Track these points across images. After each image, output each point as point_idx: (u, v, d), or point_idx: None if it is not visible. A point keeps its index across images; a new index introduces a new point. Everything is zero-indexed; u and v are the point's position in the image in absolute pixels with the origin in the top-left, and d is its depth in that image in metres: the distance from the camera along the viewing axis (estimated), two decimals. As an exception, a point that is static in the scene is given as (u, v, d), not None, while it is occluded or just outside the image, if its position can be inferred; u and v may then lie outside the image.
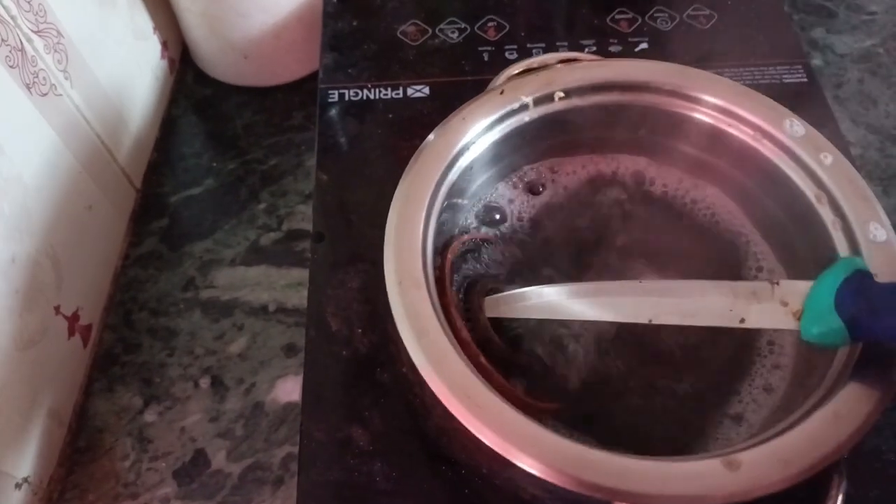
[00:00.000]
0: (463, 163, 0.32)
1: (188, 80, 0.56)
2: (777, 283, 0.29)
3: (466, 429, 0.27)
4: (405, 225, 0.30)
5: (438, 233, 0.32)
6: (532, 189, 0.36)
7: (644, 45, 0.47)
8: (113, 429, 0.42)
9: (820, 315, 0.27)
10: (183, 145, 0.53)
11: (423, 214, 0.30)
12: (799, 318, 0.28)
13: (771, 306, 0.28)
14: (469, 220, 0.37)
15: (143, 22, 0.51)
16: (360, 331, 0.37)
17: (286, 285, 0.47)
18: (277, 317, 0.46)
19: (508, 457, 0.26)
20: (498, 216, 0.37)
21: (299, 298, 0.45)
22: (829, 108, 0.43)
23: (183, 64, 0.57)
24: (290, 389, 0.43)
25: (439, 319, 0.28)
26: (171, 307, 0.46)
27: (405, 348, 0.28)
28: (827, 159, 0.31)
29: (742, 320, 0.29)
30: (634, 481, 0.25)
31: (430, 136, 0.33)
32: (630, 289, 0.31)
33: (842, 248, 0.30)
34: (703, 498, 0.24)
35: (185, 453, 0.41)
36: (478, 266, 0.36)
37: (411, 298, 0.28)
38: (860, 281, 0.27)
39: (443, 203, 0.31)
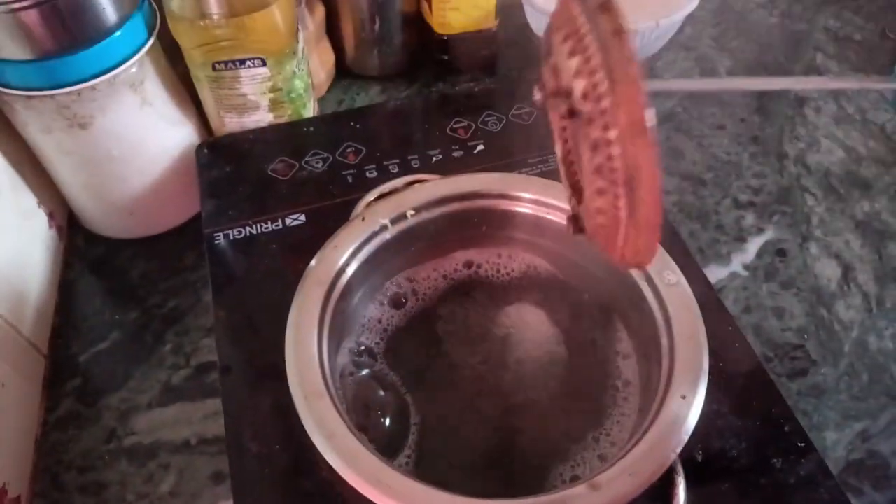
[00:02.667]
0: (341, 283, 0.38)
1: (78, 243, 0.60)
2: None
3: None
4: (302, 345, 0.35)
5: (332, 347, 0.37)
6: (395, 303, 0.43)
7: (481, 147, 0.55)
8: (58, 591, 0.44)
9: None
10: (83, 305, 0.56)
11: (316, 333, 0.36)
12: None
13: None
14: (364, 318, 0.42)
15: (28, 200, 0.55)
16: (277, 447, 0.41)
17: (203, 417, 0.50)
18: (200, 448, 0.49)
19: None
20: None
21: (218, 427, 0.49)
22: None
23: (71, 228, 0.61)
24: (224, 515, 0.46)
25: (344, 422, 0.33)
26: (97, 461, 0.49)
27: (319, 453, 0.33)
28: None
29: None
30: None
31: (312, 263, 0.39)
32: None
33: (648, 294, 0.38)
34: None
35: None
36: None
37: (317, 408, 0.33)
38: None
39: (331, 322, 0.37)
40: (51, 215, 0.57)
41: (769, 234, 0.59)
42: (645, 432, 0.33)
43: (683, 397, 0.34)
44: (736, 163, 0.65)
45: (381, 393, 0.40)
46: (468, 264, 0.44)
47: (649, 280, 0.39)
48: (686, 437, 0.33)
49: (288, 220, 0.51)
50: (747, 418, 0.42)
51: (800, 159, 0.65)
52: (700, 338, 0.36)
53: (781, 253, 0.58)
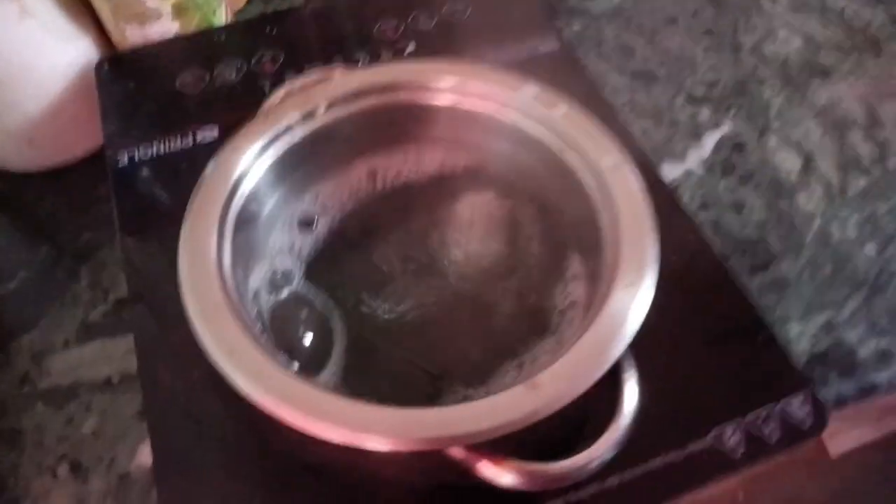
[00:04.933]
0: (245, 189, 0.34)
1: (-21, 180, 0.55)
2: None
3: (305, 430, 0.28)
4: (197, 256, 0.31)
5: (238, 263, 0.33)
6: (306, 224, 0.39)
7: (411, 48, 0.50)
8: (-27, 546, 0.40)
9: None
10: (-12, 245, 0.51)
11: (214, 242, 0.31)
12: None
13: None
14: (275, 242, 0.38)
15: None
16: (195, 373, 0.37)
17: (126, 353, 0.46)
18: (123, 386, 0.45)
19: (355, 442, 0.27)
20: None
21: (142, 363, 0.45)
22: (580, 66, 0.48)
23: (-31, 166, 0.55)
24: (152, 453, 0.43)
25: (247, 336, 0.29)
26: (10, 406, 0.45)
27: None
28: (560, 111, 0.35)
29: None
30: (462, 425, 0.28)
31: (208, 166, 0.35)
32: None
33: (589, 184, 0.34)
34: (517, 421, 0.27)
35: (58, 547, 0.40)
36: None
37: (215, 322, 0.29)
38: None
39: (234, 234, 0.33)
40: (-58, 148, 0.52)
41: (725, 129, 0.56)
42: (588, 326, 0.30)
43: (629, 285, 0.31)
44: (689, 57, 0.61)
45: (303, 314, 0.36)
46: (372, 174, 0.40)
47: (589, 166, 0.35)
48: (634, 329, 0.30)
49: (199, 136, 0.46)
50: (704, 313, 0.39)
51: (756, 50, 0.61)
52: (646, 222, 0.33)
53: (739, 147, 0.55)
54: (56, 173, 0.54)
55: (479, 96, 0.37)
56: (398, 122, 0.38)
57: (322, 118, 0.37)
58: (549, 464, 0.27)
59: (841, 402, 0.44)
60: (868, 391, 0.45)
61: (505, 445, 0.28)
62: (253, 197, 0.35)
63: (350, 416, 0.28)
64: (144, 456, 0.43)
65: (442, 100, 0.37)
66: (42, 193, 0.54)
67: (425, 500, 0.34)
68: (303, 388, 0.28)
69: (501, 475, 0.27)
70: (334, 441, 0.28)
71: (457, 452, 0.28)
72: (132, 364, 0.46)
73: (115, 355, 0.46)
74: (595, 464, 0.28)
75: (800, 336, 0.46)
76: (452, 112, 0.38)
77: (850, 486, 1.16)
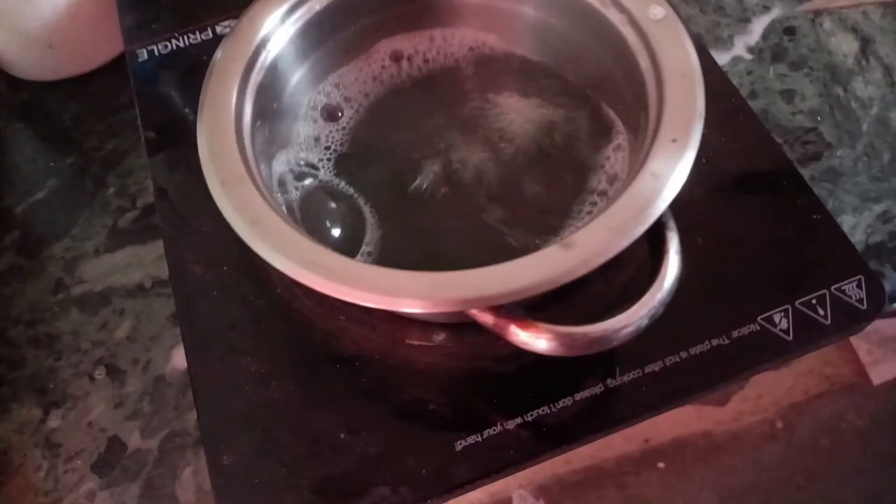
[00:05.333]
0: (264, 61, 0.32)
1: (2, 90, 0.54)
2: None
3: (329, 293, 0.27)
4: (216, 125, 0.30)
5: (258, 133, 0.32)
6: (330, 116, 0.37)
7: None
8: (18, 446, 0.41)
9: None
10: (14, 155, 0.51)
11: (233, 112, 0.30)
12: None
13: None
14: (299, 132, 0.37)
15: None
16: (225, 268, 0.37)
17: (156, 259, 0.46)
18: (156, 291, 0.45)
19: (378, 305, 0.26)
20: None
21: (173, 268, 0.45)
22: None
23: (-8, 76, 0.54)
24: (187, 355, 0.43)
25: (270, 207, 0.28)
26: (45, 313, 0.45)
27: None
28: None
29: None
30: (490, 286, 0.26)
31: (224, 41, 0.33)
32: None
33: (632, 40, 0.31)
34: (550, 280, 0.26)
35: (99, 445, 0.41)
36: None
37: (237, 193, 0.28)
38: None
39: (255, 99, 0.31)
40: (-37, 57, 0.51)
41: (776, 12, 0.52)
42: (628, 185, 0.28)
43: (674, 141, 0.28)
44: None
45: (332, 204, 0.35)
46: (397, 56, 0.37)
47: (632, 22, 0.32)
48: (677, 187, 0.28)
49: (219, 29, 0.44)
50: (755, 194, 0.37)
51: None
52: (693, 75, 0.30)
53: (790, 31, 0.51)
54: (78, 81, 0.53)
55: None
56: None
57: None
58: (582, 326, 0.26)
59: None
60: (927, 283, 0.42)
61: (541, 311, 0.27)
62: (274, 70, 0.33)
63: (374, 278, 0.27)
64: (179, 358, 0.43)
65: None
66: (65, 102, 0.53)
67: (461, 387, 0.34)
68: (327, 254, 0.27)
69: (534, 339, 0.26)
70: (357, 302, 0.27)
71: (486, 318, 0.27)
72: (163, 269, 0.46)
73: (146, 260, 0.46)
74: (632, 328, 0.26)
75: (854, 228, 0.43)
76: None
77: (891, 412, 1.14)
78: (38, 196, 0.49)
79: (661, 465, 1.14)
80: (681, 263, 0.27)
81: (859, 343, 1.19)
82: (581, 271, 0.26)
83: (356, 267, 0.27)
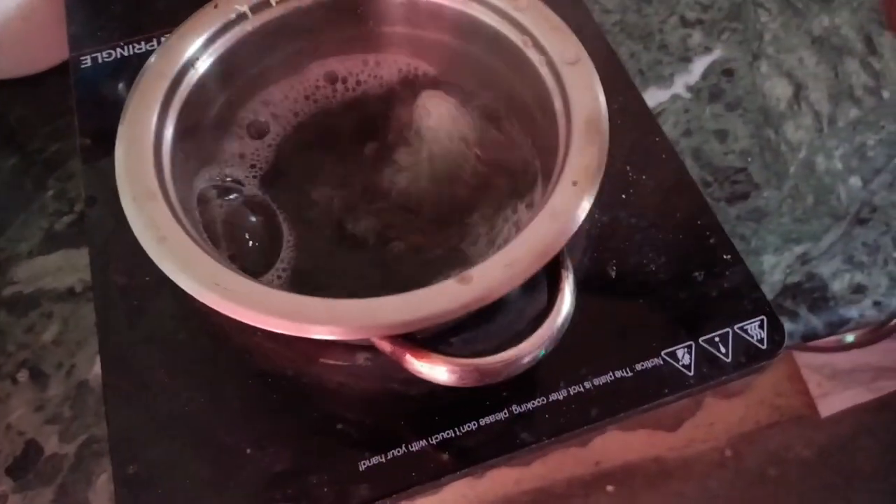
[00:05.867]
0: (191, 79, 0.33)
1: (-53, 88, 0.54)
2: None
3: (229, 314, 0.27)
4: (134, 141, 0.30)
5: (179, 160, 0.32)
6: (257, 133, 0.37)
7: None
8: (-68, 444, 0.41)
9: None
10: (-47, 152, 0.51)
11: (153, 131, 0.30)
12: None
13: None
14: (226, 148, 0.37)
15: None
16: (147, 279, 0.37)
17: (89, 264, 0.46)
18: (86, 295, 0.45)
19: (277, 329, 0.27)
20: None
21: (103, 274, 0.45)
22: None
23: (-62, 72, 0.54)
24: (112, 361, 0.43)
25: (181, 225, 0.28)
26: (-27, 313, 0.45)
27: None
28: (522, 4, 0.33)
29: None
30: (388, 315, 0.27)
31: (154, 53, 0.33)
32: None
33: (549, 81, 0.33)
34: (444, 313, 0.26)
35: (15, 448, 0.41)
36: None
37: (147, 209, 0.29)
38: None
39: (176, 127, 0.32)
40: None
41: (717, 54, 0.54)
42: (527, 223, 0.29)
43: (574, 184, 0.29)
44: (685, -22, 0.58)
45: (251, 221, 0.35)
46: (331, 78, 0.38)
47: (549, 63, 0.33)
48: (572, 228, 0.29)
49: (164, 40, 0.44)
50: (670, 232, 0.38)
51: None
52: (600, 121, 0.31)
53: (728, 73, 0.53)
54: (25, 82, 0.53)
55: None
56: (357, 16, 0.37)
57: (277, 9, 0.35)
58: (477, 358, 0.27)
59: (810, 336, 0.44)
60: (838, 325, 0.44)
61: (440, 343, 0.27)
62: (200, 89, 0.34)
63: (274, 302, 0.27)
64: (104, 364, 0.43)
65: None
66: (11, 103, 0.53)
67: (370, 408, 0.34)
68: (231, 275, 0.28)
69: (429, 369, 0.27)
70: (254, 325, 0.27)
71: (384, 346, 0.27)
72: (95, 274, 0.46)
73: (78, 265, 0.46)
74: (525, 360, 0.27)
75: (774, 268, 0.45)
76: (412, 6, 0.36)
77: (838, 444, 1.16)
78: (-26, 195, 0.49)
79: (610, 488, 1.15)
80: (573, 301, 0.28)
81: (811, 375, 1.21)
82: (475, 306, 0.27)
83: (258, 290, 0.28)
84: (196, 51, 0.34)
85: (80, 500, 0.39)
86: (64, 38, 0.52)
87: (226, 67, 0.35)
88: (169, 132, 0.32)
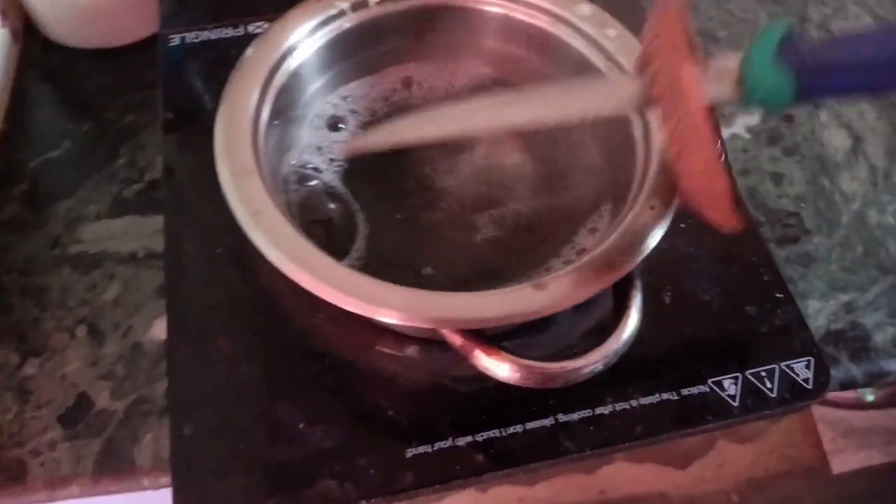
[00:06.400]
0: (288, 67, 0.34)
1: (35, 50, 0.56)
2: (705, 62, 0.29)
3: (319, 301, 0.29)
4: (234, 119, 0.32)
5: (271, 132, 0.34)
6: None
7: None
8: (-11, 386, 0.42)
9: (762, 74, 0.27)
10: (34, 113, 0.53)
11: (252, 109, 0.32)
12: (740, 85, 0.28)
13: (708, 83, 0.28)
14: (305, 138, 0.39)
15: (-24, -7, 0.50)
16: (217, 251, 0.38)
17: (153, 232, 0.47)
18: (148, 262, 0.47)
19: (349, 307, 0.28)
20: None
21: (167, 244, 0.46)
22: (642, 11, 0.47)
23: (29, 35, 0.56)
24: (166, 328, 0.44)
25: (272, 201, 0.30)
26: (39, 266, 0.46)
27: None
28: (612, 33, 0.34)
29: None
30: (463, 310, 0.28)
31: (253, 43, 0.35)
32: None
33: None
34: (517, 315, 0.28)
35: (68, 399, 0.42)
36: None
37: (244, 184, 0.30)
38: (799, 38, 0.27)
39: (274, 100, 0.33)
40: (3, 13, 0.53)
41: (779, 99, 0.55)
42: (604, 240, 0.30)
43: (652, 208, 0.31)
44: (753, 22, 0.59)
45: (328, 210, 0.37)
46: (407, 82, 0.40)
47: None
48: (647, 248, 0.30)
49: (251, 28, 0.46)
50: (726, 265, 0.39)
51: (823, 25, 0.60)
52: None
53: (789, 118, 0.54)
54: (108, 53, 0.55)
55: (533, 7, 0.37)
56: (447, 27, 0.38)
57: (373, 9, 0.37)
58: (541, 362, 0.28)
59: (847, 384, 0.44)
60: (877, 376, 0.44)
61: (503, 342, 0.29)
62: (294, 77, 0.36)
63: (358, 285, 0.29)
64: (158, 330, 0.44)
65: (495, 6, 0.37)
66: (92, 72, 0.55)
67: (420, 400, 0.35)
68: (319, 255, 0.29)
69: (495, 366, 0.28)
70: (339, 305, 0.28)
71: (455, 339, 0.28)
72: (158, 243, 0.47)
73: (143, 232, 0.48)
74: (586, 371, 0.28)
75: (818, 313, 0.45)
76: (504, 21, 0.37)
77: (846, 502, 1.15)
78: (51, 155, 0.51)
79: (612, 518, 1.14)
80: (639, 321, 0.29)
81: (825, 430, 1.20)
82: (547, 312, 0.28)
83: (343, 272, 0.29)
84: (297, 40, 0.35)
85: (126, 456, 0.40)
86: (150, 15, 0.54)
87: (320, 60, 0.37)
88: (265, 114, 0.33)
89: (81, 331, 0.44)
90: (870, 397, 1.16)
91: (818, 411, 1.21)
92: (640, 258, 0.30)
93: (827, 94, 0.29)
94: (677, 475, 1.16)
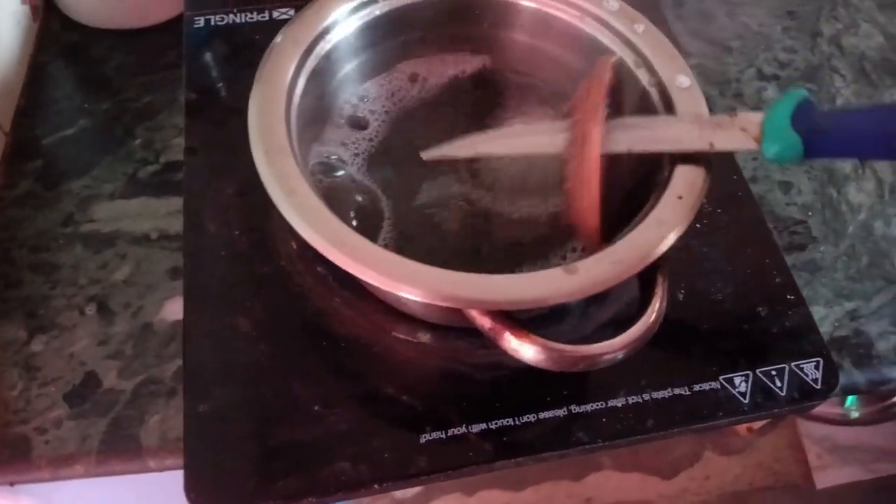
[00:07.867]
0: (321, 50, 0.34)
1: (54, 28, 0.56)
2: (735, 115, 0.34)
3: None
4: (269, 100, 0.32)
5: (303, 113, 0.34)
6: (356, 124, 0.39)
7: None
8: (-2, 361, 0.42)
9: (779, 134, 0.32)
10: (53, 90, 0.53)
11: (286, 92, 0.32)
12: (759, 141, 0.33)
13: (732, 133, 0.33)
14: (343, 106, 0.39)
15: (-1, -34, 0.50)
16: (237, 232, 0.38)
17: (167, 213, 0.47)
18: (160, 243, 0.46)
19: (386, 286, 0.28)
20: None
21: (181, 225, 0.46)
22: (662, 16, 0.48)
23: (49, 12, 0.56)
24: (177, 309, 0.44)
25: (306, 181, 0.30)
26: (51, 243, 0.46)
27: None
28: (640, 28, 0.35)
29: (711, 144, 0.34)
30: (493, 291, 0.29)
31: (288, 25, 0.35)
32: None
33: (657, 102, 0.34)
34: (548, 297, 0.28)
35: (75, 377, 0.42)
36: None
37: (279, 164, 0.30)
38: (809, 106, 0.33)
39: (306, 84, 0.33)
40: (24, -11, 0.53)
41: (789, 109, 0.55)
42: (634, 226, 0.30)
43: (680, 198, 0.31)
44: (767, 34, 0.60)
45: (358, 197, 0.37)
46: (413, 77, 0.40)
47: (658, 85, 0.35)
48: (676, 237, 0.30)
49: (276, 14, 0.46)
50: (738, 265, 0.40)
51: (834, 40, 0.61)
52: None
53: (798, 129, 0.54)
54: (129, 34, 0.56)
55: (563, 2, 0.37)
56: (476, 16, 0.39)
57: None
58: (567, 345, 0.28)
59: (850, 389, 0.45)
60: (879, 383, 0.45)
61: (531, 327, 0.29)
62: (326, 61, 0.36)
63: (394, 264, 0.29)
64: (168, 311, 0.44)
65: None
66: (112, 51, 0.55)
67: (435, 386, 0.35)
68: (353, 235, 0.29)
69: (524, 348, 0.28)
70: (375, 284, 0.29)
71: (484, 321, 0.29)
72: (172, 224, 0.47)
73: (157, 213, 0.48)
74: (609, 356, 0.28)
75: (822, 320, 0.46)
76: (534, 14, 0.38)
77: (828, 518, 1.16)
78: (67, 132, 0.51)
79: (596, 525, 1.15)
80: (665, 308, 0.30)
81: (811, 446, 1.21)
82: (578, 296, 0.28)
83: (379, 251, 0.29)
84: (329, 23, 0.36)
85: (132, 436, 0.40)
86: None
87: (351, 46, 0.37)
88: (297, 96, 0.33)
89: (91, 309, 0.44)
90: (855, 414, 1.18)
91: (804, 427, 1.22)
92: (667, 245, 0.30)
93: (830, 156, 0.33)
94: (662, 485, 1.17)
